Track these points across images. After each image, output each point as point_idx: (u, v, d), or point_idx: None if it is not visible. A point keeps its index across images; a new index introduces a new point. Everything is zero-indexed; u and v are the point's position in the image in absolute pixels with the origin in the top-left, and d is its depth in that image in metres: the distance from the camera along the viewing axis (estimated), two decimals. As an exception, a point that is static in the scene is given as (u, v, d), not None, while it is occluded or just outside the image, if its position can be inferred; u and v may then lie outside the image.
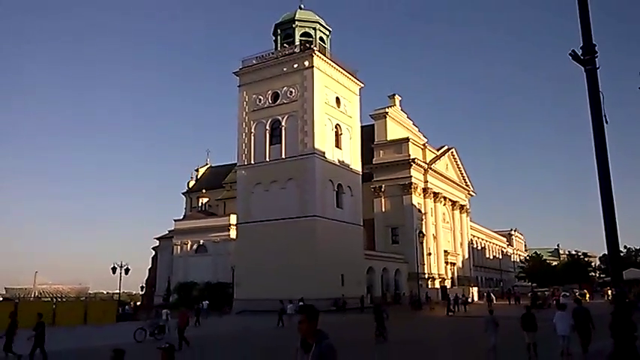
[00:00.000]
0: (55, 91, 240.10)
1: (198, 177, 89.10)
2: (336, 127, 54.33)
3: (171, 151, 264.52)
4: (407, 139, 70.98)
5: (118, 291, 53.16)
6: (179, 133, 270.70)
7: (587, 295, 51.15)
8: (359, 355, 17.79)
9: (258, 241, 49.54)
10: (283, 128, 51.95)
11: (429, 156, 74.93)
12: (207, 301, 43.37)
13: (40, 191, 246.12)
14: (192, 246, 66.52)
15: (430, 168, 73.61)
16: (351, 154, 56.19)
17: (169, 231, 71.15)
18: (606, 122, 8.51)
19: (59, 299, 54.73)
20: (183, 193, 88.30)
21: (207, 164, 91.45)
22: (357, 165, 57.21)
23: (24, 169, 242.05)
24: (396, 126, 75.15)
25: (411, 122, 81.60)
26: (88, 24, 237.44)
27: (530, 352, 14.38)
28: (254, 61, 54.96)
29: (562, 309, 14.62)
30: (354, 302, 47.66)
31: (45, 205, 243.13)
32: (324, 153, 51.15)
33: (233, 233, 57.85)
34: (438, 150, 78.99)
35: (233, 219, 58.53)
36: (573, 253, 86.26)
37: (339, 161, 53.85)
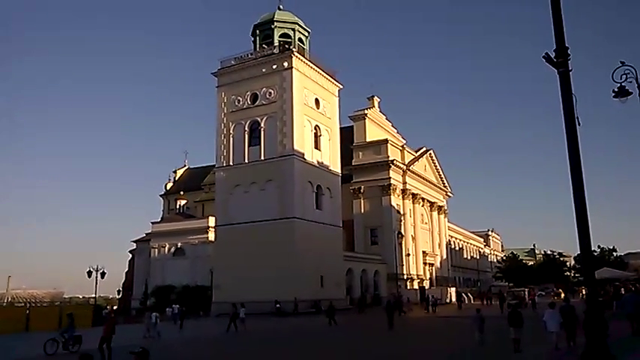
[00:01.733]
0: (30, 86, 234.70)
1: (177, 179, 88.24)
2: (315, 128, 54.36)
3: (148, 152, 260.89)
4: (386, 141, 71.45)
5: (94, 295, 52.25)
6: (156, 134, 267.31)
7: (562, 295, 52.09)
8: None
9: (237, 243, 49.21)
10: (262, 129, 51.76)
11: (408, 157, 75.51)
12: (177, 305, 42.11)
13: (11, 190, 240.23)
14: (170, 249, 65.80)
15: (409, 169, 74.20)
16: (330, 156, 56.27)
17: (147, 234, 70.27)
18: (579, 124, 8.68)
19: (33, 304, 53.41)
20: (160, 195, 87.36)
21: (185, 166, 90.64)
22: (336, 166, 57.33)
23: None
24: (375, 127, 75.59)
25: (390, 124, 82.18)
26: (65, 19, 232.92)
27: (515, 346, 15.48)
28: (232, 62, 54.68)
29: (552, 307, 15.81)
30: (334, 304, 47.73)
31: (17, 206, 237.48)
32: (303, 154, 51.12)
33: (212, 235, 57.35)
34: (416, 151, 79.69)
35: (212, 221, 58.05)
36: (549, 253, 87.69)
37: (318, 162, 53.88)
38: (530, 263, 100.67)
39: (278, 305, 43.64)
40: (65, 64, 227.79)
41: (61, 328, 20.23)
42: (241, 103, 53.37)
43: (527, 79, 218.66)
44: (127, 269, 76.56)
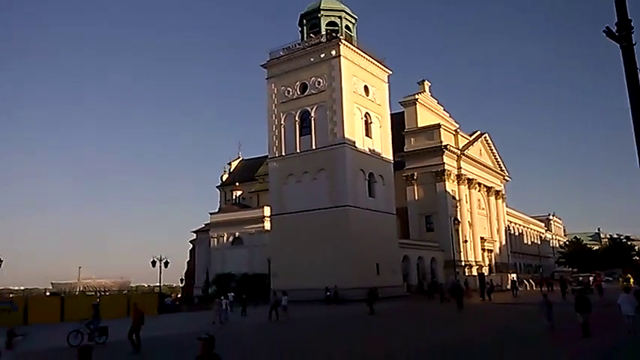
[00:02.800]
0: (91, 87, 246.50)
1: (231, 170, 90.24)
2: (365, 115, 54.04)
3: (205, 146, 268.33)
4: (438, 126, 70.03)
5: (158, 284, 54.54)
6: (211, 127, 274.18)
7: (632, 280, 49.58)
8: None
9: (292, 232, 49.95)
10: (313, 119, 52.00)
11: (462, 142, 73.75)
12: (232, 293, 39.91)
13: (81, 187, 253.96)
14: (228, 238, 67.59)
15: (463, 154, 72.49)
16: (381, 143, 55.84)
17: (206, 224, 72.46)
18: (645, 99, 8.24)
19: (103, 293, 56.46)
20: (217, 187, 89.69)
21: (239, 157, 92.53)
22: (388, 153, 56.86)
23: (64, 165, 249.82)
24: (427, 112, 74.22)
25: (442, 108, 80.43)
26: (117, 18, 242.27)
27: (584, 331, 15.70)
28: (281, 53, 55.03)
29: (627, 291, 16.41)
30: (391, 291, 47.73)
31: (86, 202, 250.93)
32: (354, 142, 51.01)
33: (267, 225, 58.45)
34: (470, 135, 77.66)
35: (267, 211, 59.12)
36: (615, 236, 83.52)
37: (369, 150, 53.63)
38: (595, 248, 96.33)
39: (328, 293, 43.99)
40: (127, 65, 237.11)
41: (86, 319, 19.56)
42: (291, 93, 53.78)
43: (589, 54, 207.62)
44: (188, 258, 79.41)
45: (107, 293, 56.87)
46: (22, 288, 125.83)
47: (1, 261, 37.66)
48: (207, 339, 6.35)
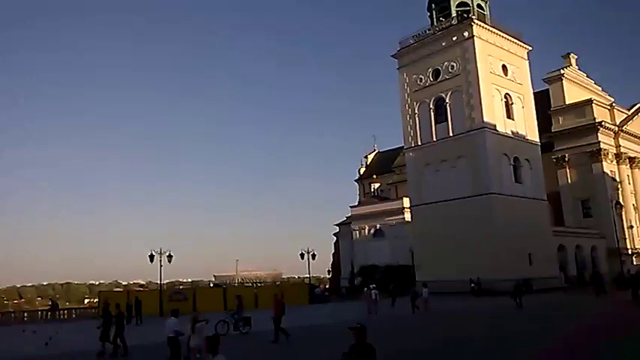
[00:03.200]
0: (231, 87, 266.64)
1: (368, 163, 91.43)
2: (505, 96, 51.08)
3: (344, 140, 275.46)
4: (589, 101, 63.38)
5: (307, 275, 57.33)
6: (347, 122, 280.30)
7: None
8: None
9: (433, 222, 49.18)
10: (448, 105, 50.54)
11: (619, 117, 65.98)
12: (373, 285, 35.01)
13: (241, 189, 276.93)
14: (369, 230, 68.68)
15: (622, 130, 64.86)
16: (525, 124, 52.32)
17: (347, 217, 74.47)
18: None
19: (258, 284, 61.09)
20: (355, 180, 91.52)
21: (374, 150, 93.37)
22: (533, 135, 53.09)
23: (234, 168, 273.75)
24: (575, 88, 67.58)
25: (592, 81, 72.65)
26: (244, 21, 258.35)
27: None
28: (411, 41, 54.33)
29: None
30: (546, 282, 44.80)
31: (243, 201, 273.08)
32: (494, 126, 48.52)
33: (408, 216, 58.31)
34: (629, 109, 69.13)
35: (406, 202, 58.96)
36: None
37: (512, 133, 50.59)
38: None
39: (472, 285, 42.48)
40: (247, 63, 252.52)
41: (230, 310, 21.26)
42: (423, 81, 52.85)
43: None
44: (333, 251, 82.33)
45: (261, 284, 61.24)
46: (189, 280, 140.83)
47: (171, 256, 42.55)
48: (359, 328, 6.40)
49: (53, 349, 19.73)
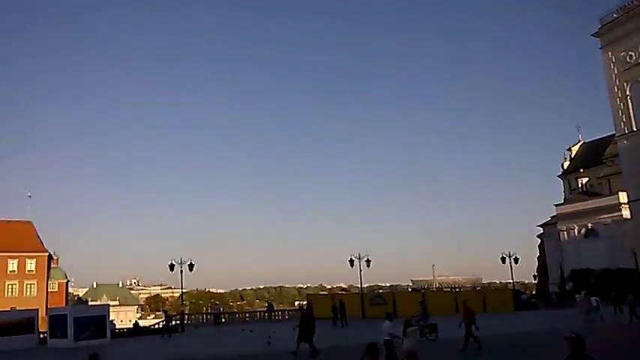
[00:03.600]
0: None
1: (572, 156, 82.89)
2: None
3: (538, 135, 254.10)
4: None
5: (510, 280, 54.26)
6: (540, 116, 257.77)
7: None
8: None
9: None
10: (670, 81, 43.37)
11: None
12: (584, 291, 32.14)
13: (427, 192, 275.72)
14: (579, 230, 62.52)
15: None
16: None
17: (551, 217, 68.86)
18: None
19: (457, 289, 59.81)
20: (558, 176, 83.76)
21: (579, 141, 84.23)
22: None
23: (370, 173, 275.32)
24: None
25: None
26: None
27: None
28: (615, 15, 48.12)
29: None
30: None
31: (433, 204, 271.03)
32: None
33: (626, 213, 51.38)
34: None
35: (623, 197, 52.06)
36: None
37: None
38: None
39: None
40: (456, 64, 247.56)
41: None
42: (634, 58, 46.33)
43: None
44: (537, 254, 76.55)
45: (459, 289, 59.85)
46: (387, 284, 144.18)
47: (369, 261, 44.35)
48: (575, 338, 5.81)
49: (275, 347, 22.14)
